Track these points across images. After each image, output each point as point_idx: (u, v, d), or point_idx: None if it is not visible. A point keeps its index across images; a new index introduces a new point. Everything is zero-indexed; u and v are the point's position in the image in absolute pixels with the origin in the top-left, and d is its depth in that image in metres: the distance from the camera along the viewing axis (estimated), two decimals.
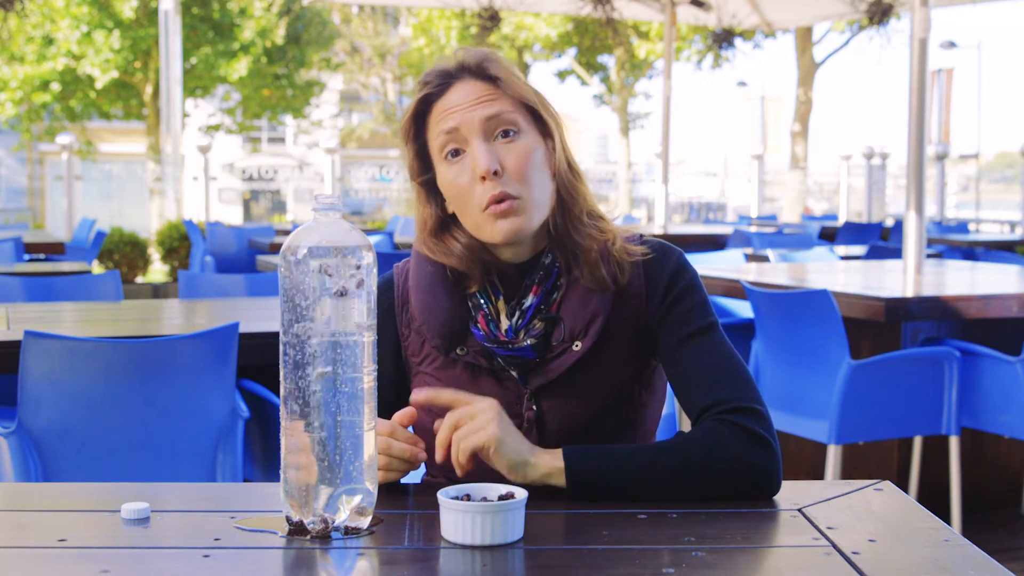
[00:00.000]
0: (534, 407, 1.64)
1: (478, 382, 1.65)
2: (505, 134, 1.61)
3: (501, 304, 1.65)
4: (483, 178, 1.58)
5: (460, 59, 1.64)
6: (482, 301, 1.66)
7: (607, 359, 1.65)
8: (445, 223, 1.67)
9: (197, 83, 19.20)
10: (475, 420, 1.49)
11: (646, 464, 1.51)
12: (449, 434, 1.49)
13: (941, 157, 15.06)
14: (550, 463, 1.50)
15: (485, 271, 1.66)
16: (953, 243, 8.19)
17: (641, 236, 1.70)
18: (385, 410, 1.63)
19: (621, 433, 1.67)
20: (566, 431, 1.65)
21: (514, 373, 1.65)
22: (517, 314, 1.64)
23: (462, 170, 1.61)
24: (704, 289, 1.69)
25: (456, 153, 1.61)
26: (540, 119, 1.65)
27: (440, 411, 1.59)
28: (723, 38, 10.31)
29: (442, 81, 1.63)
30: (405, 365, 1.72)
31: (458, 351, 1.65)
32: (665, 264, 1.67)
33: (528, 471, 1.49)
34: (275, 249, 7.54)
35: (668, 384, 1.78)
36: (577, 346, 1.63)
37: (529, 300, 1.65)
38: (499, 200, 1.58)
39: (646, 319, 1.65)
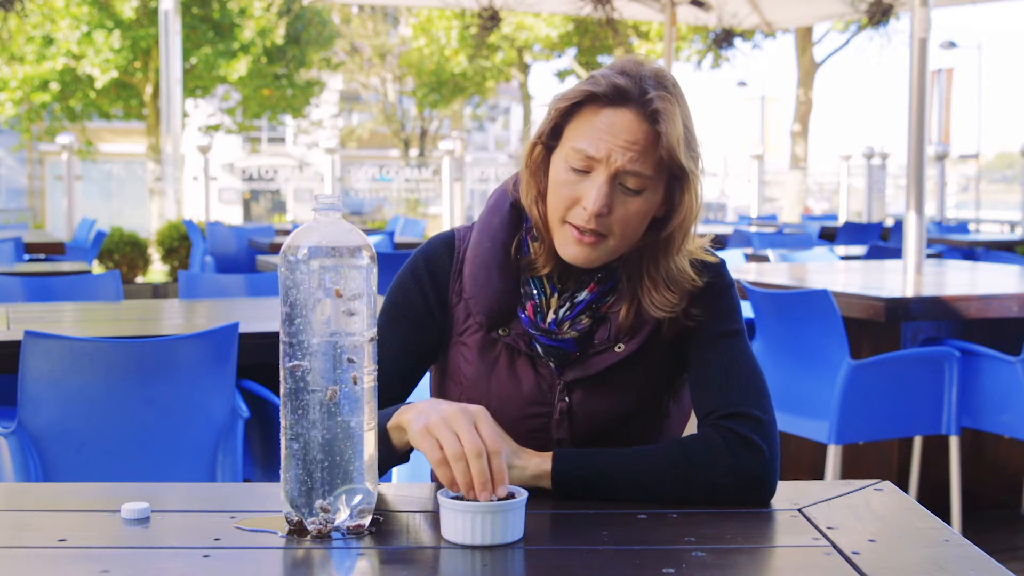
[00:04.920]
0: (567, 399, 1.65)
1: (515, 364, 1.67)
2: (632, 187, 1.57)
3: (555, 300, 1.65)
4: (585, 208, 1.57)
5: (642, 85, 1.56)
6: (535, 291, 1.66)
7: (644, 366, 1.66)
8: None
9: (197, 83, 19.20)
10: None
11: (634, 468, 1.50)
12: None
13: (941, 157, 15.07)
14: (538, 466, 1.50)
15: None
16: (953, 243, 8.19)
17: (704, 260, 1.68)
18: (399, 382, 1.66)
19: (644, 438, 1.68)
20: (593, 427, 1.66)
21: (552, 363, 1.65)
22: (568, 305, 1.64)
23: (574, 184, 1.58)
24: (737, 298, 1.69)
25: (581, 170, 1.58)
26: (677, 184, 1.60)
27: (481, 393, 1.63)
28: (723, 38, 10.29)
29: (614, 95, 1.56)
30: (446, 331, 1.71)
31: (500, 331, 1.66)
32: (704, 271, 1.66)
33: (514, 474, 1.49)
34: (275, 249, 7.54)
35: None
36: (620, 348, 1.64)
37: (583, 295, 1.65)
38: (587, 232, 1.58)
39: (682, 324, 1.65)
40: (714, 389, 1.59)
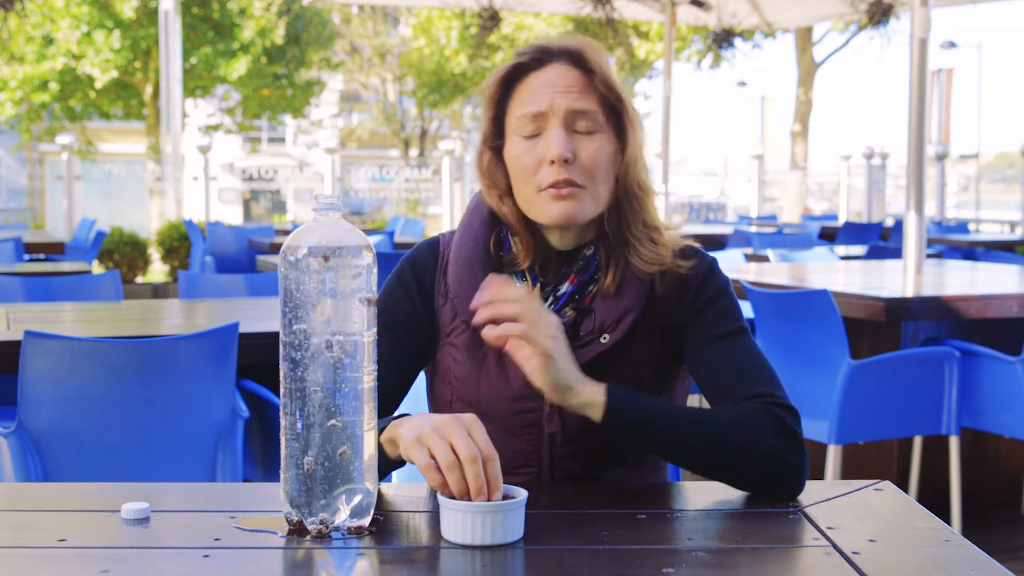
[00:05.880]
0: None
1: (503, 361, 1.67)
2: (585, 129, 1.63)
3: (537, 291, 1.67)
4: (552, 162, 1.61)
5: (561, 42, 1.66)
6: (518, 285, 1.66)
7: (631, 357, 1.67)
8: (510, 191, 1.69)
9: (197, 83, 19.20)
10: (541, 324, 1.48)
11: (682, 425, 1.53)
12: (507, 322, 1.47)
13: (941, 157, 15.06)
14: (593, 395, 1.52)
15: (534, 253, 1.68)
16: (953, 243, 8.19)
17: (694, 248, 1.72)
18: (391, 388, 1.66)
19: None
20: (585, 421, 1.65)
21: None
22: (551, 299, 1.67)
23: (532, 149, 1.63)
24: (735, 296, 1.71)
25: (533, 135, 1.64)
26: (620, 123, 1.66)
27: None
28: (723, 38, 10.29)
29: (539, 56, 1.65)
30: (435, 333, 1.72)
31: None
32: (698, 269, 1.69)
33: (569, 396, 1.51)
34: (275, 249, 7.54)
35: (687, 391, 1.79)
36: (605, 339, 1.65)
37: (565, 287, 1.67)
38: (562, 184, 1.61)
39: (674, 322, 1.67)
40: (747, 381, 1.60)
